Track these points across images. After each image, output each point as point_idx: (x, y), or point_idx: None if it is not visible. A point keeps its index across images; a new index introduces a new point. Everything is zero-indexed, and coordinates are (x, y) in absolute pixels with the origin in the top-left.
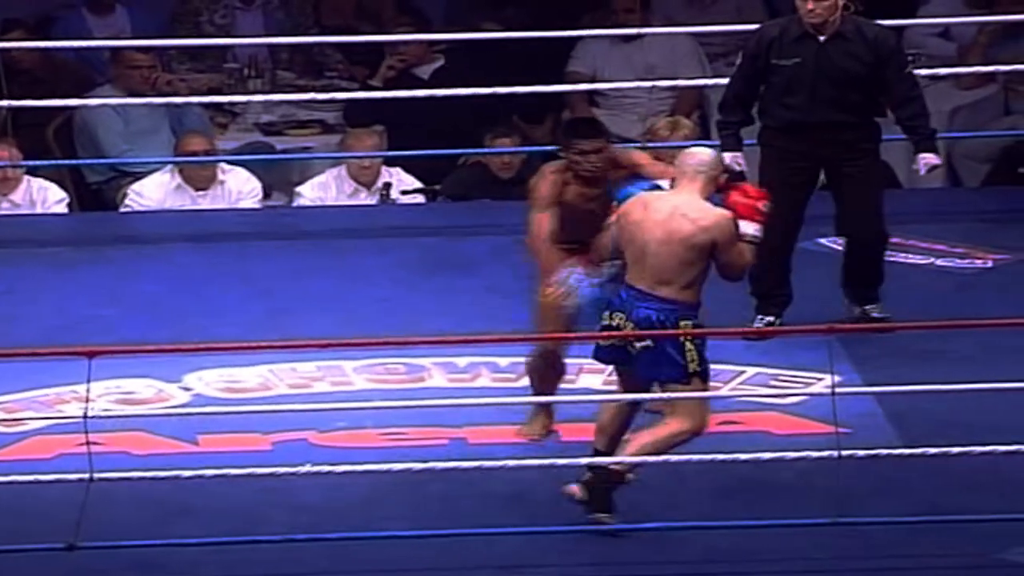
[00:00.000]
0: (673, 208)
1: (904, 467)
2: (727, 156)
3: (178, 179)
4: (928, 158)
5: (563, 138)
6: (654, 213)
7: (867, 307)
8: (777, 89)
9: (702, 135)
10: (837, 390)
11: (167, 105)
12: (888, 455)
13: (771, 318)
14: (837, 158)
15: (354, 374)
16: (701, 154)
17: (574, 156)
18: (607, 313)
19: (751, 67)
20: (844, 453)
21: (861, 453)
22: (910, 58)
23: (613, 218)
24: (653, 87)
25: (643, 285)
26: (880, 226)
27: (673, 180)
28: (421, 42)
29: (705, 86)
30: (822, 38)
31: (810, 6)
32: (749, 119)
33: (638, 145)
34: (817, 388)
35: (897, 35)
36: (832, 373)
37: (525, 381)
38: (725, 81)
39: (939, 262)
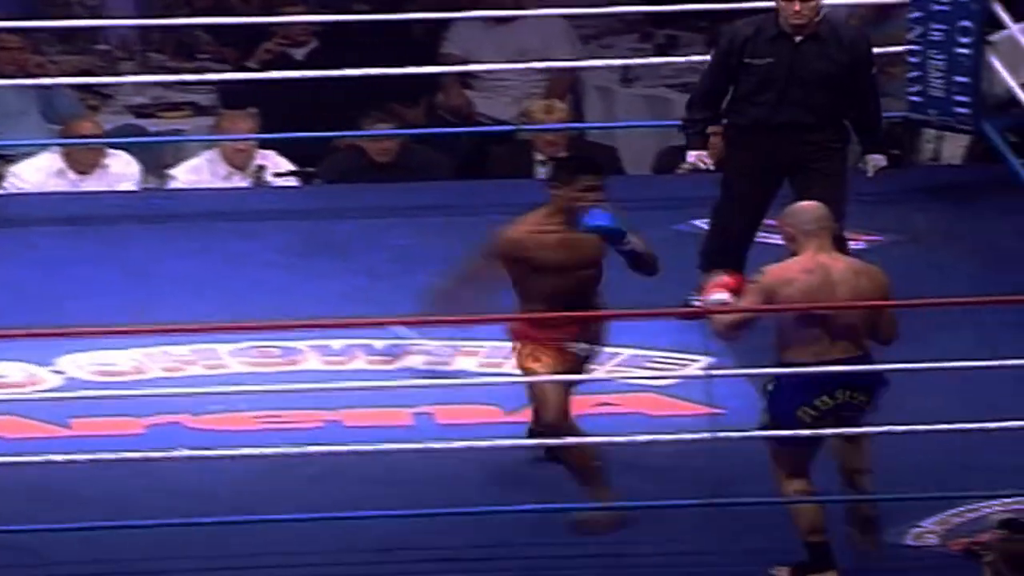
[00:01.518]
0: (841, 271)
1: None
2: (691, 155)
3: (60, 163)
4: (878, 159)
5: (564, 174)
6: (827, 283)
7: None
8: (747, 88)
9: (576, 117)
10: (712, 372)
11: (37, 87)
12: (762, 436)
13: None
14: (801, 160)
15: (229, 357)
16: (813, 209)
17: (576, 193)
18: (825, 398)
19: (723, 65)
20: (719, 435)
21: (736, 435)
22: None
23: (752, 296)
24: (526, 69)
25: (841, 354)
26: (838, 231)
27: (794, 245)
28: (296, 24)
29: (578, 68)
30: (798, 39)
31: (797, 7)
32: (716, 118)
33: (513, 127)
34: (692, 370)
35: (869, 37)
36: (707, 355)
37: (400, 363)
38: (598, 63)
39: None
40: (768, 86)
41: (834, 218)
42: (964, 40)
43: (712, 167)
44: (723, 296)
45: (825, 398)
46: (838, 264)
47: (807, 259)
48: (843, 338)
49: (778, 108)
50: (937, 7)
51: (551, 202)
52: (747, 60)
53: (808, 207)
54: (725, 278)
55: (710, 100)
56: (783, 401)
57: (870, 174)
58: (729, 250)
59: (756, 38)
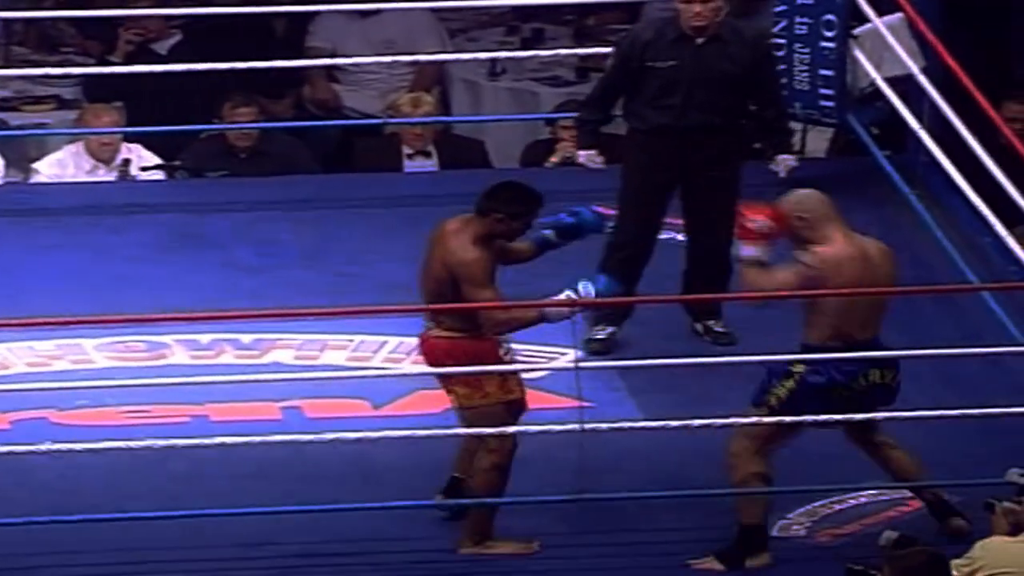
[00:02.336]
0: (876, 252)
1: (646, 441)
2: (582, 154)
3: None
4: (788, 159)
5: (515, 205)
6: (870, 266)
7: (709, 322)
8: (649, 92)
9: (443, 111)
10: (581, 364)
11: None
12: (631, 429)
13: (610, 329)
14: (704, 163)
15: (95, 352)
16: (818, 194)
17: (520, 224)
18: (860, 379)
19: (623, 69)
20: (587, 427)
21: (604, 427)
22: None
23: (801, 279)
24: (393, 62)
25: (869, 335)
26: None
27: (811, 232)
28: (159, 16)
29: (445, 61)
30: (700, 40)
31: (697, 8)
32: (610, 118)
33: (380, 121)
34: (561, 363)
35: (769, 35)
36: (576, 348)
37: (268, 357)
38: (465, 56)
39: (681, 236)
40: (673, 89)
41: (725, 227)
42: (828, 34)
43: (602, 165)
44: (753, 252)
45: (860, 379)
46: (870, 245)
47: (847, 243)
48: (869, 321)
49: (685, 112)
50: (802, 1)
51: (483, 225)
52: (649, 63)
53: (811, 193)
54: (764, 213)
55: (606, 102)
56: (816, 379)
57: (783, 174)
58: (631, 255)
59: (657, 41)
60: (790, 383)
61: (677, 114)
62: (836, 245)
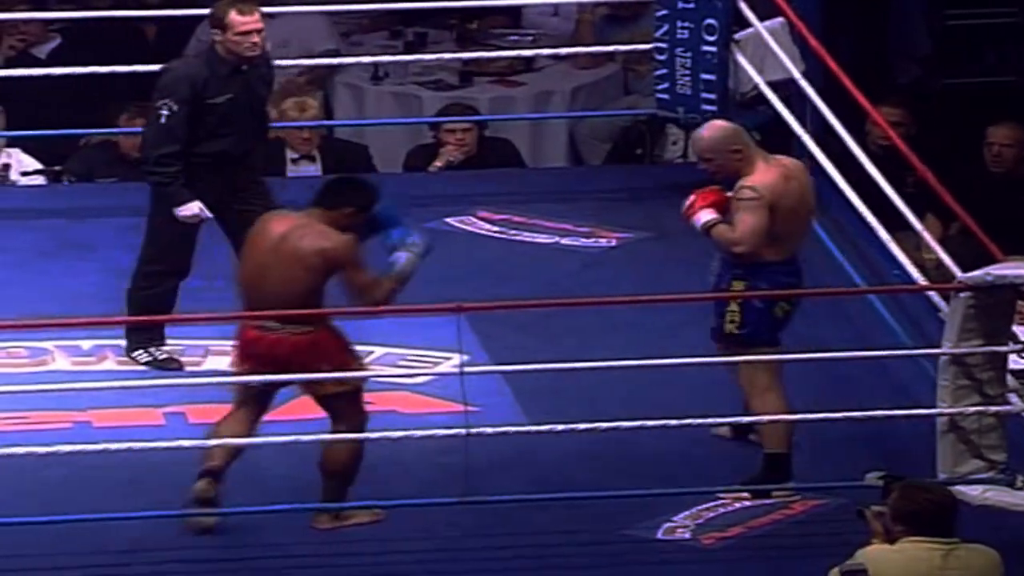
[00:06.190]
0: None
1: (532, 444)
2: (184, 210)
3: None
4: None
5: (364, 197)
6: (800, 181)
7: None
8: (210, 126)
9: (326, 115)
10: (465, 369)
11: None
12: (516, 432)
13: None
14: (246, 183)
15: None
16: (731, 126)
17: (365, 217)
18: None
19: (188, 113)
20: (473, 431)
21: (489, 431)
22: (531, 38)
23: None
24: (286, 65)
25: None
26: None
27: (744, 164)
28: (38, 21)
29: (330, 65)
30: (244, 68)
31: (255, 39)
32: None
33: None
34: (445, 367)
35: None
36: (460, 352)
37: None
38: (349, 60)
39: (564, 241)
40: (232, 121)
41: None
42: (710, 38)
43: (207, 216)
44: (712, 215)
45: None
46: (791, 163)
47: (773, 167)
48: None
49: (241, 140)
50: (683, 5)
51: (332, 220)
52: (209, 101)
53: (726, 126)
54: (703, 195)
55: (182, 151)
56: (759, 308)
57: None
58: (171, 293)
59: (212, 77)
60: (734, 305)
61: (236, 143)
62: (769, 171)
